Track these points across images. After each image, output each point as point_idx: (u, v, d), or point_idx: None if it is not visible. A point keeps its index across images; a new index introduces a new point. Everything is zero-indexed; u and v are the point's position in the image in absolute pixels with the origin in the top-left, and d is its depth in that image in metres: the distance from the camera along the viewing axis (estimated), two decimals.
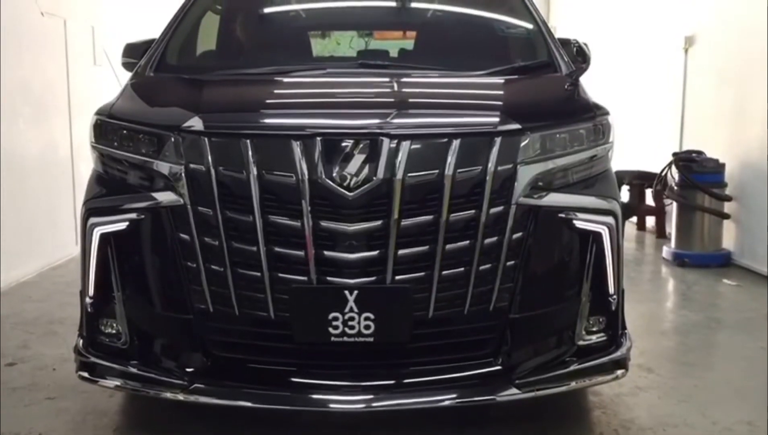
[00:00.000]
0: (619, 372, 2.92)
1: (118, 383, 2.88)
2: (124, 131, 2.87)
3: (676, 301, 5.21)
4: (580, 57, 3.43)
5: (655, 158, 7.14)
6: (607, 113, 3.01)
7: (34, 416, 3.14)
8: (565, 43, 3.56)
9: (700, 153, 6.33)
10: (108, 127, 2.92)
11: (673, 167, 6.42)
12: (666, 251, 6.40)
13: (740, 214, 6.12)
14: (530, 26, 3.70)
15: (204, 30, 3.93)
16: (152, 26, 6.76)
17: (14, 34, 5.45)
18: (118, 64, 7.15)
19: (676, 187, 6.34)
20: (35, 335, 4.22)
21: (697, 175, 6.12)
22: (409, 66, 3.41)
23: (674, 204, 6.44)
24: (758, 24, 5.74)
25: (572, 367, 2.84)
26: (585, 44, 3.53)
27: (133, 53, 3.72)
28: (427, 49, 3.67)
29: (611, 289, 2.90)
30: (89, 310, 2.91)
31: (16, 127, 5.51)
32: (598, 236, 2.84)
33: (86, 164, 6.61)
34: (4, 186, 5.24)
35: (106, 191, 2.89)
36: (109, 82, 7.16)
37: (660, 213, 7.33)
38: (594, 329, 2.92)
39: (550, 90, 3.22)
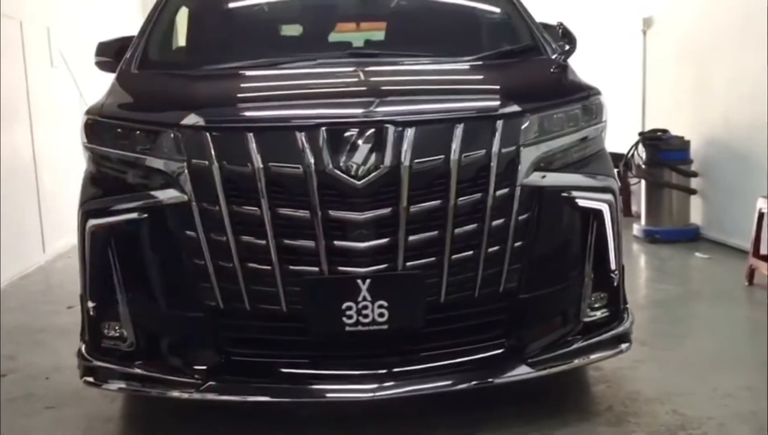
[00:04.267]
0: (624, 346, 2.99)
1: (125, 386, 2.84)
2: (119, 130, 2.81)
3: (654, 276, 5.34)
4: (566, 38, 3.47)
5: (617, 139, 7.27)
6: (599, 93, 3.07)
7: (37, 426, 3.07)
8: (550, 26, 3.61)
9: (665, 131, 6.48)
10: (101, 127, 2.86)
11: (640, 146, 6.56)
12: (636, 229, 6.54)
13: (706, 189, 6.29)
14: (511, 11, 3.73)
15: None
16: (107, 26, 6.60)
17: None
18: (74, 65, 7.03)
19: (643, 166, 6.47)
20: (20, 345, 4.10)
21: (664, 152, 6.27)
22: (397, 54, 3.40)
23: (642, 182, 6.57)
24: (713, 3, 5.90)
25: (580, 344, 2.90)
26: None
27: (106, 51, 3.65)
28: (414, 37, 3.66)
29: (613, 265, 2.96)
30: (91, 313, 2.84)
31: None
32: (599, 214, 2.89)
33: (49, 170, 6.48)
34: None
35: (103, 192, 2.83)
36: (66, 85, 7.01)
37: (625, 192, 7.47)
38: (597, 305, 2.98)
39: (542, 72, 3.26)
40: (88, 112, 2.93)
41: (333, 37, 3.87)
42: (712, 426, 2.84)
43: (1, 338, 4.23)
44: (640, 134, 6.64)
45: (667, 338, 3.87)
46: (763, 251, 4.71)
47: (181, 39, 3.85)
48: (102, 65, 3.68)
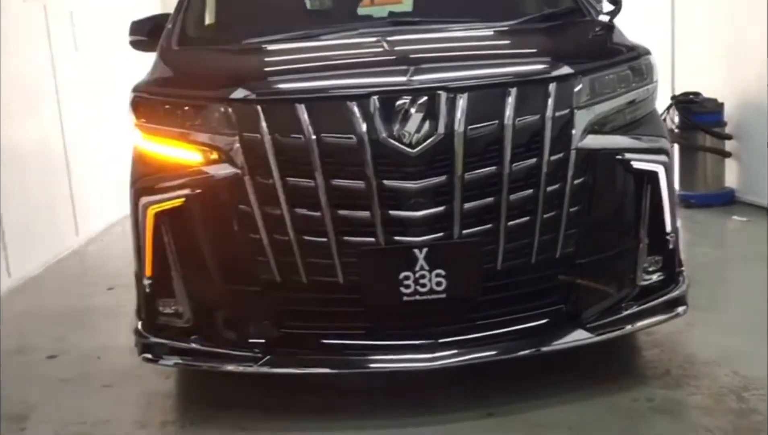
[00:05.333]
0: (680, 309, 2.97)
1: (181, 361, 2.86)
2: (167, 106, 2.80)
3: (695, 240, 5.26)
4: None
5: None
6: (648, 52, 3.02)
7: (95, 404, 3.09)
8: None
9: (697, 94, 6.38)
10: (149, 103, 2.85)
11: (672, 110, 6.46)
12: None
13: (740, 152, 6.19)
14: None
15: None
16: (127, 10, 6.56)
17: None
18: (97, 49, 7.00)
19: (676, 130, 6.38)
20: (67, 327, 4.12)
21: (698, 115, 6.18)
22: (439, 21, 3.35)
23: (675, 146, 6.48)
24: None
25: (637, 308, 2.89)
26: None
27: (140, 30, 3.63)
28: (454, 3, 3.61)
29: (668, 228, 2.93)
30: (147, 291, 2.84)
31: (10, 121, 5.33)
32: (653, 175, 2.86)
33: (79, 154, 6.48)
34: (3, 182, 5.08)
35: (154, 169, 2.82)
36: (90, 69, 6.99)
37: None
38: (653, 269, 2.96)
39: (589, 33, 3.21)
40: (134, 90, 2.91)
41: (369, 8, 3.82)
42: None
43: (47, 321, 4.26)
44: (672, 98, 6.53)
45: (716, 301, 3.83)
46: None
47: (214, 14, 3.81)
48: (136, 44, 3.66)
